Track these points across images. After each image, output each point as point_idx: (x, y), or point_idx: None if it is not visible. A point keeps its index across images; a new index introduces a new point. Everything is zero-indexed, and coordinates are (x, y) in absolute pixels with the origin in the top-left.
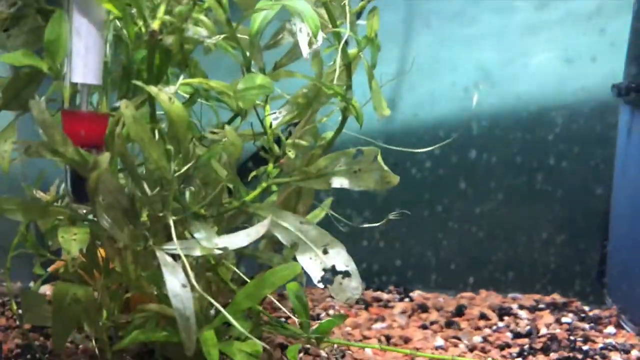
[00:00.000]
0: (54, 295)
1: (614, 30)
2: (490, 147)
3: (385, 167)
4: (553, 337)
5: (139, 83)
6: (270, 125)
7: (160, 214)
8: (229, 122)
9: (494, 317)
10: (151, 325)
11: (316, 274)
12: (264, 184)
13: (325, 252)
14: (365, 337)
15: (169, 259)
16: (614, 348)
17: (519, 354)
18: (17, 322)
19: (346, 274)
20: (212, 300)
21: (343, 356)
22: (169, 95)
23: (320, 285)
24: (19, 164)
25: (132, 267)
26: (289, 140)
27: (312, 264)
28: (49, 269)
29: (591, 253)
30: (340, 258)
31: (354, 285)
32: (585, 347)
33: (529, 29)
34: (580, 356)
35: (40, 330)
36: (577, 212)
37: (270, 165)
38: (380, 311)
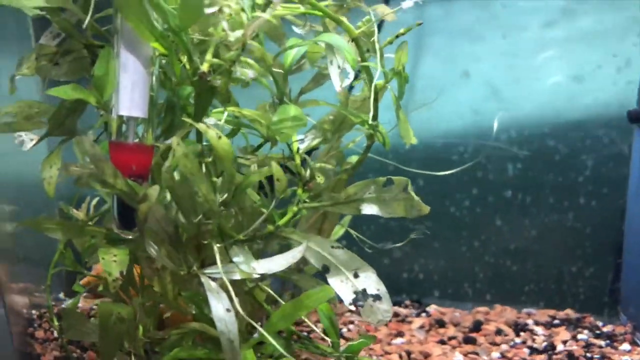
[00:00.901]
0: (100, 315)
1: (624, 48)
2: (500, 164)
3: (416, 197)
4: (570, 354)
5: (189, 120)
6: (297, 150)
7: (205, 242)
8: (258, 148)
9: (510, 332)
10: (188, 342)
11: (347, 297)
12: (295, 209)
13: (355, 275)
14: (387, 353)
15: (214, 285)
16: None
17: None
18: (55, 335)
19: (377, 297)
20: (254, 324)
21: None
22: (216, 131)
23: (352, 308)
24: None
25: (170, 287)
26: (317, 164)
27: (344, 286)
28: (81, 282)
29: (605, 269)
30: (370, 282)
31: (384, 308)
32: None
33: (538, 46)
34: None
35: (77, 342)
36: (590, 229)
37: (300, 190)
38: (399, 326)
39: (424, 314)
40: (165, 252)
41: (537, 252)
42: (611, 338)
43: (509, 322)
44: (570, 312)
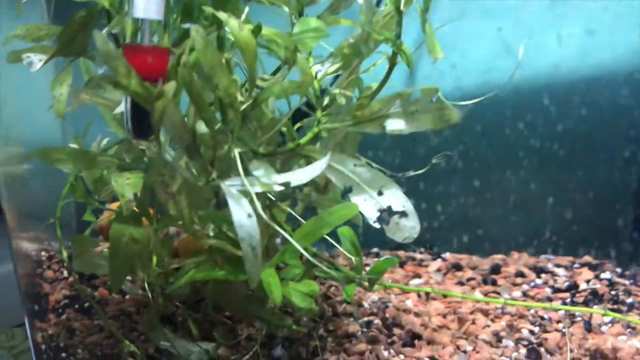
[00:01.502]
0: (111, 235)
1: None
2: (516, 118)
3: (446, 103)
4: (594, 292)
5: (209, 9)
6: (316, 76)
7: (225, 147)
8: (275, 73)
9: (531, 274)
10: (205, 267)
11: (371, 215)
12: (315, 129)
13: (380, 193)
14: (405, 292)
15: (234, 190)
16: None
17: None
18: (65, 274)
19: (402, 214)
20: (279, 228)
21: (386, 307)
22: (238, 21)
23: (377, 226)
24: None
25: (187, 210)
26: (335, 90)
27: (367, 205)
28: (96, 227)
29: (624, 217)
30: (396, 198)
31: (411, 225)
32: (629, 300)
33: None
34: (624, 308)
35: (88, 281)
36: (609, 179)
37: (319, 113)
38: (416, 269)
39: (439, 260)
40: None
41: (554, 203)
42: (634, 278)
43: (528, 265)
44: (589, 259)
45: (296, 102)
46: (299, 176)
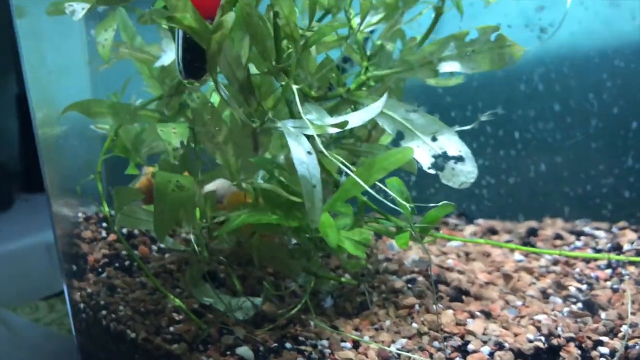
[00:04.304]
0: (157, 182)
1: None
2: (540, 90)
3: (508, 39)
4: (639, 251)
5: None
6: (359, 28)
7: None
8: (320, 20)
9: (569, 237)
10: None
11: (425, 161)
12: (363, 77)
13: (434, 139)
14: (444, 253)
15: (292, 128)
16: None
17: (608, 266)
18: (103, 234)
19: (459, 159)
20: (341, 164)
21: (428, 266)
22: None
23: (432, 172)
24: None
25: (233, 160)
26: (379, 42)
27: (420, 151)
28: (136, 185)
29: None
30: (451, 143)
31: (468, 169)
32: None
33: None
34: None
35: (127, 240)
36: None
37: (365, 62)
38: (451, 233)
39: (473, 225)
40: (237, 100)
41: (587, 170)
42: None
43: (565, 228)
44: (625, 224)
45: (335, 56)
46: (354, 118)
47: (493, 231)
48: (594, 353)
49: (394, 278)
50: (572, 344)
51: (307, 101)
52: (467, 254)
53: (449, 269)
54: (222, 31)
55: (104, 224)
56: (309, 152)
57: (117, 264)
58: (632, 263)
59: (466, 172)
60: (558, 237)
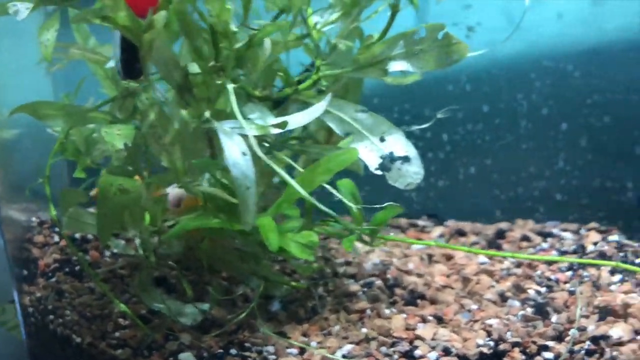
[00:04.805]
0: (100, 185)
1: None
2: (520, 87)
3: (454, 37)
4: (602, 253)
5: None
6: (315, 26)
7: (218, 83)
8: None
9: (537, 238)
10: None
11: (373, 162)
12: (315, 76)
13: (382, 140)
14: (406, 255)
15: (227, 127)
16: None
17: (569, 268)
18: (56, 239)
19: (405, 159)
20: (277, 168)
21: (387, 269)
22: None
23: (378, 173)
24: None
25: (180, 163)
26: (340, 44)
27: (368, 152)
28: (91, 194)
29: (629, 184)
30: (398, 144)
31: (414, 170)
32: (638, 261)
33: None
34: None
35: (80, 245)
36: (612, 147)
37: (319, 61)
38: (418, 235)
39: (442, 226)
40: (174, 101)
41: (558, 171)
42: None
43: (534, 230)
44: (595, 225)
45: (296, 57)
46: (296, 119)
47: (461, 233)
48: (537, 358)
49: (350, 282)
50: (516, 349)
51: (251, 100)
52: (430, 256)
53: (408, 272)
54: (154, 30)
55: (57, 229)
56: (243, 153)
57: (67, 269)
58: (593, 265)
59: (412, 173)
60: (525, 238)
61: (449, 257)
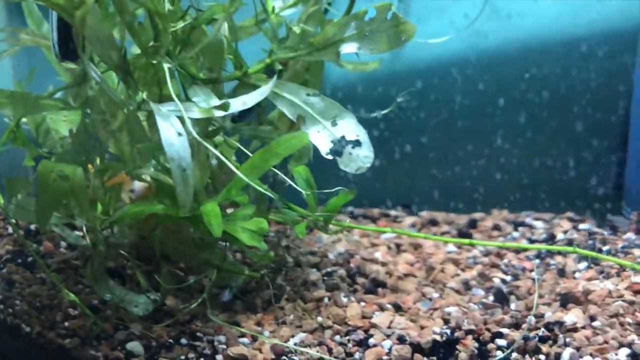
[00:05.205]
0: (39, 171)
1: None
2: (503, 80)
3: (402, 17)
4: (571, 241)
5: None
6: (273, 10)
7: (155, 63)
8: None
9: (508, 228)
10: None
11: (324, 147)
12: (268, 60)
13: (334, 124)
14: (374, 245)
15: (164, 109)
16: (637, 246)
17: (537, 257)
18: (10, 230)
19: (356, 143)
20: (218, 153)
21: (352, 257)
22: None
23: (329, 157)
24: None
25: (128, 149)
26: (294, 27)
27: (320, 136)
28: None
29: (606, 171)
30: (349, 127)
31: (364, 154)
32: (605, 248)
33: None
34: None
35: (34, 236)
36: (592, 135)
37: (274, 45)
38: (389, 224)
39: (414, 216)
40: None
41: (535, 161)
42: (615, 228)
43: (507, 219)
44: (570, 214)
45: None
46: (241, 100)
47: (434, 222)
48: (490, 345)
49: (312, 271)
50: (470, 337)
51: (196, 83)
52: (398, 245)
53: (373, 261)
54: (85, 6)
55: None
56: (179, 134)
57: (19, 260)
58: (560, 253)
59: (362, 157)
60: (496, 228)
61: (416, 247)
